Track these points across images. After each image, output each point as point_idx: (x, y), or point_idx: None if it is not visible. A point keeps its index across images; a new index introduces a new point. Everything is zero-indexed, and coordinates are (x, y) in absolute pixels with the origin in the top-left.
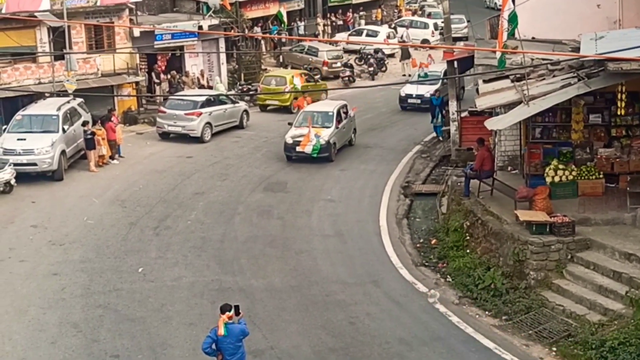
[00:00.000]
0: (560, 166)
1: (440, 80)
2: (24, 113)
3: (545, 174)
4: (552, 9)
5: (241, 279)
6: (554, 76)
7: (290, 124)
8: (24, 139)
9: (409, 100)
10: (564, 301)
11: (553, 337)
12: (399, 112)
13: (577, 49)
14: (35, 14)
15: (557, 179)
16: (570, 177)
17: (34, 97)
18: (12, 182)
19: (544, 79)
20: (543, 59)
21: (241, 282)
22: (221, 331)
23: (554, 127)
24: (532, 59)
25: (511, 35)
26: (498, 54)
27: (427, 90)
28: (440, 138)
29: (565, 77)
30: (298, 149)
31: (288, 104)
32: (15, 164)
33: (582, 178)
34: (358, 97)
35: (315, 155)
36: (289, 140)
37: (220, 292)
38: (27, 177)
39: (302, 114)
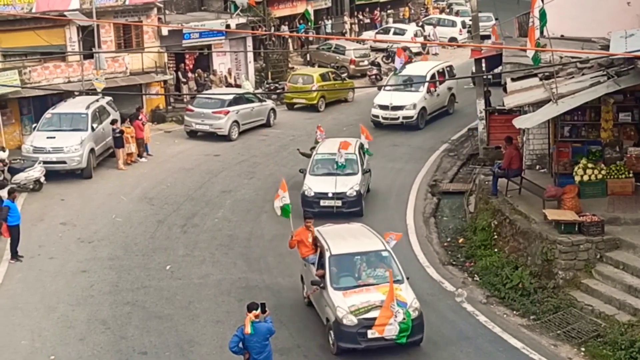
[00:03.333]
0: (590, 165)
1: (360, 170)
2: (54, 111)
3: (574, 173)
4: (581, 7)
5: (268, 276)
6: (583, 74)
7: (317, 283)
8: (54, 137)
9: (322, 203)
10: (593, 301)
11: (582, 337)
12: None
13: (607, 47)
14: (65, 13)
15: (586, 177)
16: (600, 176)
17: (63, 95)
18: (42, 179)
19: (573, 77)
20: (572, 57)
21: (268, 280)
22: (248, 330)
23: (583, 126)
24: (561, 57)
25: (539, 32)
26: (530, 52)
27: (349, 184)
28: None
29: (595, 75)
30: (371, 333)
31: (315, 102)
32: (44, 162)
33: (612, 177)
34: None
35: (404, 341)
36: (350, 321)
37: (247, 289)
38: (57, 174)
39: (337, 262)
